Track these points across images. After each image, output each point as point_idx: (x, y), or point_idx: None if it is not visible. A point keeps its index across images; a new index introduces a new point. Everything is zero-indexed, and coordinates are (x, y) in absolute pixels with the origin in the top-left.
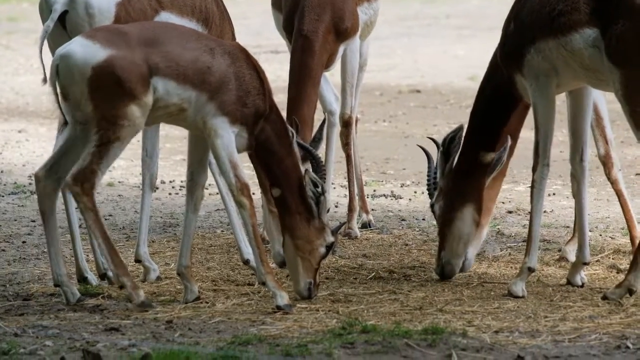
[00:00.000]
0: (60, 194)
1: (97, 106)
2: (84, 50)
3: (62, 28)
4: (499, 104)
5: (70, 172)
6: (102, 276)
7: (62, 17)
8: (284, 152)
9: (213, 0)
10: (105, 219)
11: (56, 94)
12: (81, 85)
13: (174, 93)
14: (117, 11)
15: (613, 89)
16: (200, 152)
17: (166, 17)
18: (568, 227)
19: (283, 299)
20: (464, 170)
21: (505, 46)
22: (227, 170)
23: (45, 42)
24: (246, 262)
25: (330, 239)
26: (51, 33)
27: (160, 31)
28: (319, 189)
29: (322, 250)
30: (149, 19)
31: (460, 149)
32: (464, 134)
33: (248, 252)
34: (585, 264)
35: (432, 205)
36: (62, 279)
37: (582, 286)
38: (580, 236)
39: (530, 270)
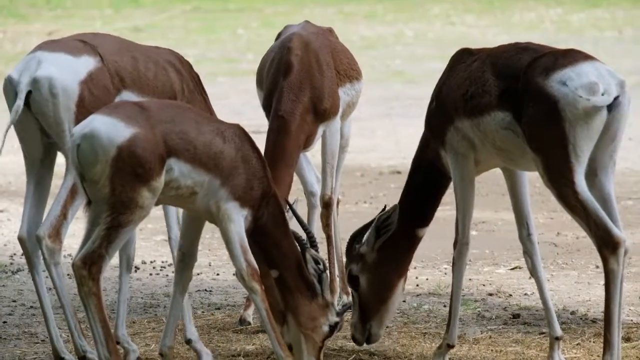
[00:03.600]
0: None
1: (114, 188)
2: (108, 128)
3: (26, 107)
4: (433, 180)
5: (79, 254)
6: (82, 358)
7: (27, 97)
8: (281, 234)
9: (182, 81)
10: None
11: (80, 175)
12: (104, 165)
13: (189, 176)
14: (80, 90)
15: (538, 173)
16: (193, 234)
17: (128, 96)
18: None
19: None
20: (398, 246)
21: (429, 123)
22: (238, 254)
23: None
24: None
25: (334, 318)
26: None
27: (175, 111)
28: (321, 266)
29: (326, 328)
30: (112, 98)
31: (398, 224)
32: (400, 210)
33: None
34: (558, 338)
35: (351, 270)
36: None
37: None
38: (546, 312)
39: (449, 346)
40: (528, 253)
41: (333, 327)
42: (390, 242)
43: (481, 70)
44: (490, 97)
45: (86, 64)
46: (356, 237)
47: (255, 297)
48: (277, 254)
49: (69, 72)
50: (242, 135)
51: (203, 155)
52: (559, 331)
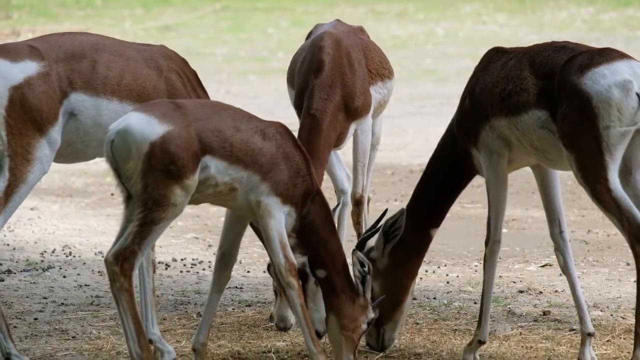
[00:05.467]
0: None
1: (147, 184)
2: (142, 125)
3: None
4: (450, 181)
5: (112, 251)
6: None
7: None
8: (329, 234)
9: (165, 79)
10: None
11: (115, 170)
12: (136, 161)
13: (226, 173)
14: (10, 96)
15: (572, 171)
16: (236, 233)
17: (79, 98)
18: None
19: None
20: (411, 248)
21: (461, 121)
22: (277, 250)
23: None
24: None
25: (372, 315)
26: None
27: (212, 109)
28: (366, 269)
29: (365, 327)
30: (55, 103)
31: (410, 225)
32: (411, 210)
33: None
34: (590, 334)
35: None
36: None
37: None
38: (578, 309)
39: (481, 342)
40: (560, 250)
41: (370, 323)
42: (402, 244)
43: (518, 68)
44: (528, 96)
45: (24, 69)
46: (361, 245)
47: (292, 292)
48: (324, 253)
49: (0, 78)
50: (284, 133)
51: (240, 152)
52: (591, 327)
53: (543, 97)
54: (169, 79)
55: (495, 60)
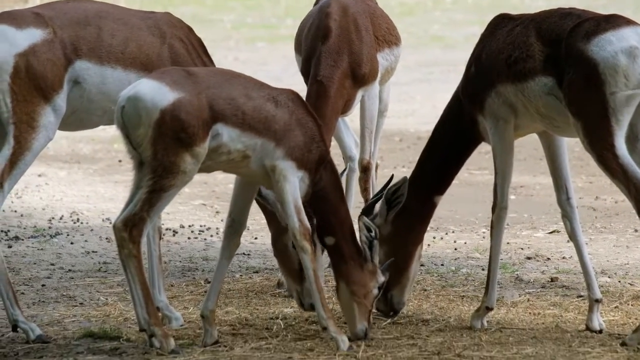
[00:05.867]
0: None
1: (157, 151)
2: (153, 92)
3: None
4: (456, 148)
5: (121, 217)
6: (14, 328)
7: None
8: (339, 201)
9: (168, 46)
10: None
11: (125, 136)
12: (147, 128)
13: (239, 140)
14: (15, 62)
15: (579, 138)
16: (245, 200)
17: (83, 65)
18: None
19: (345, 343)
20: (415, 214)
21: (467, 88)
22: (291, 214)
23: None
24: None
25: (382, 278)
26: None
27: (223, 77)
28: (373, 234)
29: (375, 291)
30: (59, 70)
31: (415, 191)
32: (416, 177)
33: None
34: (597, 301)
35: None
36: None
37: (600, 332)
38: (586, 276)
39: (488, 309)
40: (567, 217)
41: (380, 287)
42: (406, 211)
43: (525, 35)
44: (534, 62)
45: (29, 36)
46: (367, 211)
47: (305, 256)
48: (334, 220)
49: (5, 45)
50: (296, 99)
51: (253, 119)
52: (598, 294)
53: (549, 63)
54: (172, 46)
55: (502, 26)
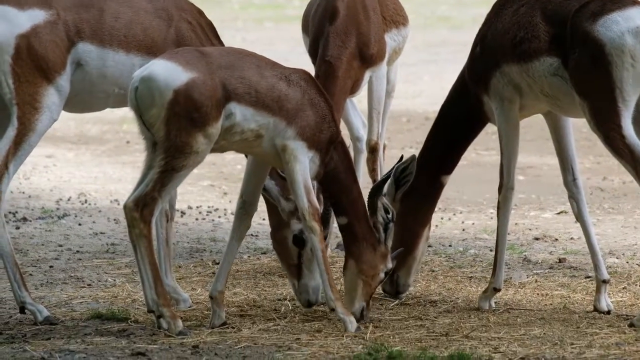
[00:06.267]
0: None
1: (169, 131)
2: (166, 72)
3: None
4: (462, 128)
5: (132, 197)
6: (21, 309)
7: None
8: (350, 181)
9: (175, 28)
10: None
11: (139, 117)
12: (160, 108)
13: (252, 119)
14: (17, 43)
15: (585, 118)
16: (257, 181)
17: (85, 47)
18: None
19: (353, 324)
20: (423, 194)
21: (472, 68)
22: (301, 194)
23: None
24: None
25: (390, 265)
26: None
27: (236, 57)
28: (389, 216)
29: (382, 275)
30: (62, 51)
31: (422, 172)
32: (423, 157)
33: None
34: (605, 281)
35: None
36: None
37: (608, 313)
38: (593, 257)
39: (496, 290)
40: (574, 197)
41: (387, 273)
42: (413, 191)
43: (530, 15)
44: (540, 43)
45: (31, 17)
46: (376, 190)
47: (314, 237)
48: (346, 200)
49: (7, 25)
50: (308, 79)
51: (266, 98)
52: (605, 274)
53: (555, 44)
54: (179, 29)
55: (507, 7)
